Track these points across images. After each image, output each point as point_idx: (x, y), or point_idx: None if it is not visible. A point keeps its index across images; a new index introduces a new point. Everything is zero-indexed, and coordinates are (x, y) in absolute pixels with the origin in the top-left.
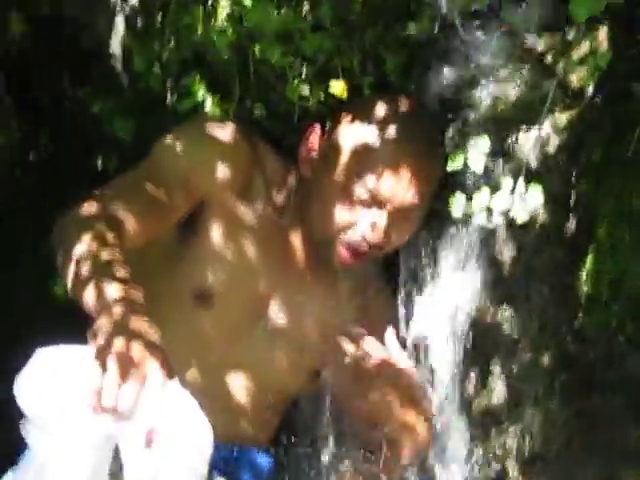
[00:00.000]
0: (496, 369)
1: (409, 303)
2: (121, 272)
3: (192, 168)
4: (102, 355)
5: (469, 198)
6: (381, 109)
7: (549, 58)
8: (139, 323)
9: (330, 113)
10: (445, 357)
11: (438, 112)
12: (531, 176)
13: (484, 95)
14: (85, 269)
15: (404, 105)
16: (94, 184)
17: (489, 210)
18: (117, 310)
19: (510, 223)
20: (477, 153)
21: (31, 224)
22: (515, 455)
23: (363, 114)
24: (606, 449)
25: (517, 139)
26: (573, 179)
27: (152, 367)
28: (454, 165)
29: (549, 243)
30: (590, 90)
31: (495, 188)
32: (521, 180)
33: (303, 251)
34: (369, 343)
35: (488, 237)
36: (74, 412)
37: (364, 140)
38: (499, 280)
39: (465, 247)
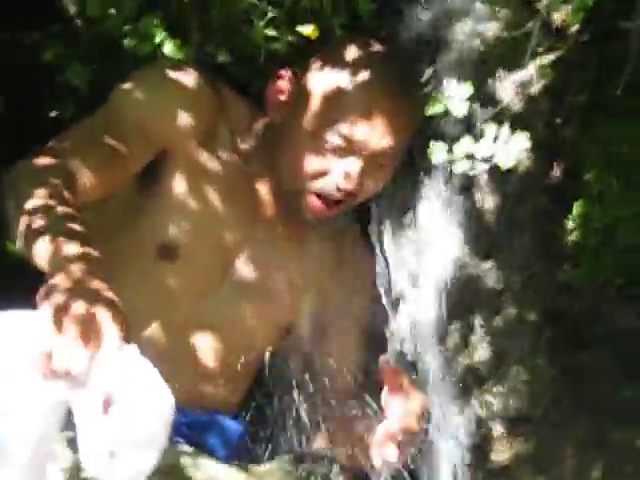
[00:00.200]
0: (478, 325)
1: (386, 255)
2: (77, 228)
3: (151, 115)
4: (59, 315)
5: (450, 145)
6: (353, 52)
7: None
8: (97, 283)
9: (299, 57)
10: (426, 312)
11: (413, 54)
12: (514, 120)
13: (462, 34)
14: (38, 225)
15: (377, 47)
16: (48, 136)
17: (471, 157)
18: (74, 269)
19: (493, 170)
20: (458, 98)
21: None
22: (501, 416)
23: (334, 58)
24: (595, 406)
25: (500, 81)
26: (558, 123)
27: (111, 330)
28: (434, 110)
29: (533, 190)
30: (575, 29)
31: (477, 134)
32: (505, 125)
33: (272, 201)
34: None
35: (469, 185)
36: (23, 378)
37: (336, 85)
38: (481, 230)
39: (445, 196)
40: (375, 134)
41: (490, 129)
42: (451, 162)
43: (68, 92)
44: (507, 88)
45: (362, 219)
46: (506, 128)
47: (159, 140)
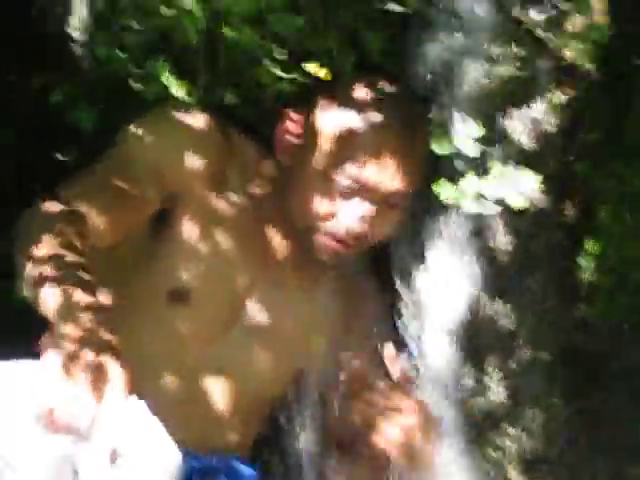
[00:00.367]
0: (493, 366)
1: (400, 297)
2: (86, 277)
3: (162, 159)
4: (67, 364)
5: (456, 183)
6: (362, 91)
7: (541, 32)
8: (105, 334)
9: (308, 97)
10: (439, 354)
11: (423, 93)
12: (525, 158)
13: (473, 73)
14: (47, 273)
15: (386, 86)
16: (53, 178)
17: (480, 196)
18: (82, 318)
19: (504, 209)
20: (466, 136)
21: None
22: (516, 458)
23: (343, 97)
24: (612, 446)
25: (510, 118)
26: (570, 159)
27: (118, 382)
28: (443, 149)
29: (546, 228)
30: (587, 66)
31: (485, 172)
32: (513, 164)
33: (284, 244)
34: None
35: (481, 224)
36: (27, 432)
37: (344, 125)
38: (494, 270)
39: (457, 236)
40: (385, 175)
41: (497, 167)
42: (459, 200)
43: (74, 135)
44: (518, 125)
45: (376, 262)
46: (514, 166)
47: (170, 185)
